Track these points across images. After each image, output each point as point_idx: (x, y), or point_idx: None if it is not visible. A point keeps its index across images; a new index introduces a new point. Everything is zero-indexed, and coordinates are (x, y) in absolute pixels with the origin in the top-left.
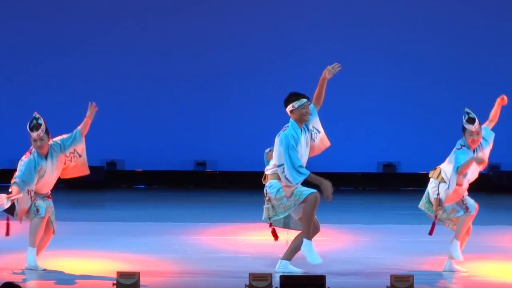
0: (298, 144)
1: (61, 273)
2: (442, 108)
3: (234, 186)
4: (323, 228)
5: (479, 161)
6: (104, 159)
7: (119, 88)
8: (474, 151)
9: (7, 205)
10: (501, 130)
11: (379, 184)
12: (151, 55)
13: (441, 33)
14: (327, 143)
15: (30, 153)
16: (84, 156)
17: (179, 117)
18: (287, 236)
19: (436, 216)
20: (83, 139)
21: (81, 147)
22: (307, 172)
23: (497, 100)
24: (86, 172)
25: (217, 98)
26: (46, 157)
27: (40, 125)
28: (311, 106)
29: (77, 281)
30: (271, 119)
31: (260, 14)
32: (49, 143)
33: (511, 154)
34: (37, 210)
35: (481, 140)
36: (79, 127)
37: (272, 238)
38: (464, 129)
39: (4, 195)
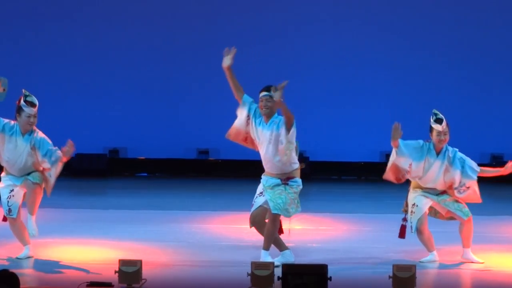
0: (255, 128)
1: (63, 260)
2: (443, 97)
3: (237, 174)
4: (326, 218)
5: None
6: (106, 147)
7: (122, 76)
8: (439, 153)
9: None
10: (503, 121)
11: (381, 173)
12: (154, 44)
13: (444, 27)
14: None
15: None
16: (53, 180)
17: (182, 105)
18: (290, 225)
19: (405, 219)
20: (60, 164)
21: (54, 170)
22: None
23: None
24: (47, 194)
25: (220, 86)
26: (23, 136)
27: (36, 104)
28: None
29: (79, 268)
30: None
31: (260, 9)
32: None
33: None
34: (9, 210)
35: (455, 158)
36: (60, 153)
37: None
38: (431, 129)
39: None
